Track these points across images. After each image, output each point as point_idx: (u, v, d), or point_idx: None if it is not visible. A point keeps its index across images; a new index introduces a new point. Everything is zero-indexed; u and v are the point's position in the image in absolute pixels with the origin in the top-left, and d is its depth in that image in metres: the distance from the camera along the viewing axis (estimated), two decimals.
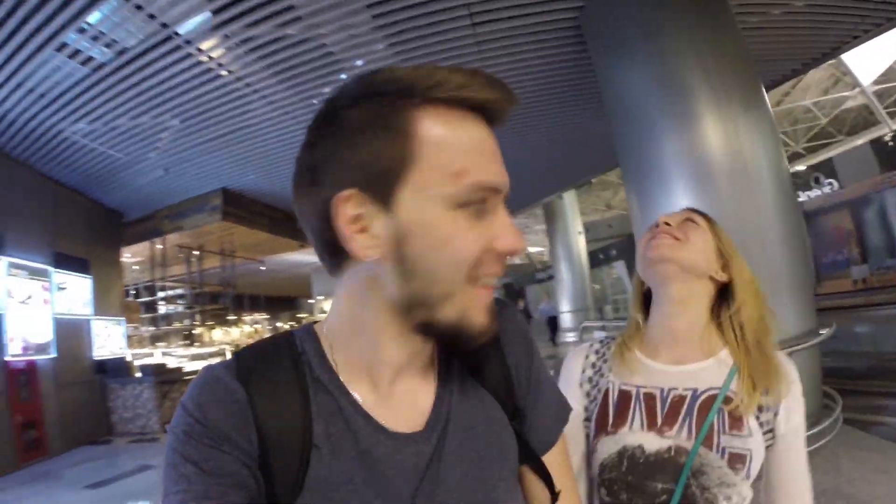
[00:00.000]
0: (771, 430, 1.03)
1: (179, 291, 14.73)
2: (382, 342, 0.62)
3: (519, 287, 31.22)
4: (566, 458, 0.81)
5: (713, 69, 4.52)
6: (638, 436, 1.04)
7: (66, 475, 6.64)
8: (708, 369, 1.07)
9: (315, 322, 0.70)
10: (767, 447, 1.03)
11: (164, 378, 9.46)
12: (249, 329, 24.72)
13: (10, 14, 4.56)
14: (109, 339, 10.01)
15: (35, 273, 7.98)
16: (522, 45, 5.87)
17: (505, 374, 0.74)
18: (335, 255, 0.61)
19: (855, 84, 13.20)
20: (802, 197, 13.37)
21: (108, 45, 5.18)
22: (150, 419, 9.08)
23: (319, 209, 0.58)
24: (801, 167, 14.77)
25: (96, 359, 9.47)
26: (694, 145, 4.49)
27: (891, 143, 12.48)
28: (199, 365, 12.04)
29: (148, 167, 8.38)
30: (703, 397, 1.04)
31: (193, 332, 14.82)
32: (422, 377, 0.69)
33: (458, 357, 0.72)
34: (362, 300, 0.62)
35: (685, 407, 1.04)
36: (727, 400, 1.02)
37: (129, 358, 10.62)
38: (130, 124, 6.79)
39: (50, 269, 8.31)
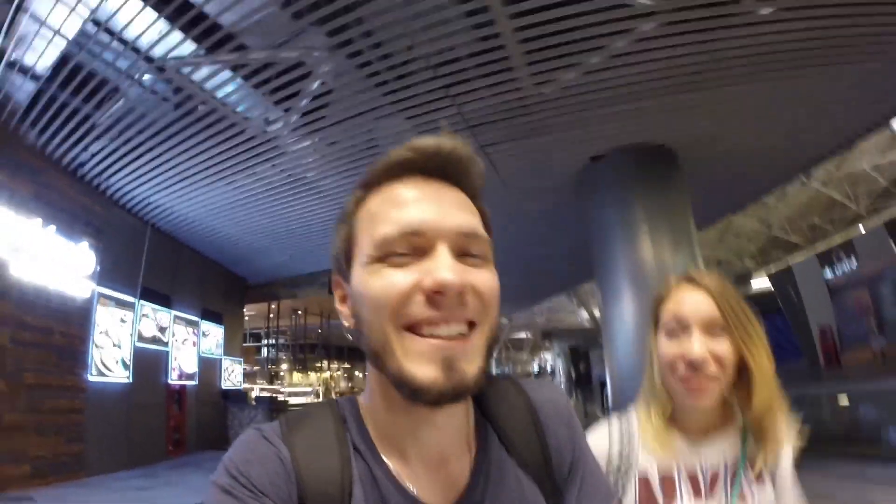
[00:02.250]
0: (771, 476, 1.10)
1: (282, 340, 18.01)
2: (389, 406, 0.62)
3: (583, 351, 32.16)
4: None
5: (656, 222, 6.79)
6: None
7: (197, 466, 9.27)
8: (733, 438, 1.11)
9: (358, 392, 0.71)
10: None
11: (273, 406, 12.38)
12: (326, 375, 26.66)
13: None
14: (233, 374, 13.06)
15: (189, 323, 11.09)
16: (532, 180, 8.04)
17: (545, 455, 0.70)
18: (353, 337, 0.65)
19: None
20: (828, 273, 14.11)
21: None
22: None
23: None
24: (863, 230, 15.29)
25: (223, 388, 12.51)
26: (637, 264, 6.73)
27: None
28: (296, 399, 14.99)
29: (275, 252, 11.23)
30: (731, 460, 1.10)
31: (280, 373, 17.88)
32: (456, 453, 0.65)
33: (499, 436, 0.70)
34: (370, 370, 0.65)
35: (721, 477, 1.08)
36: (750, 462, 1.09)
37: (244, 389, 13.65)
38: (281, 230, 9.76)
39: (199, 320, 11.45)
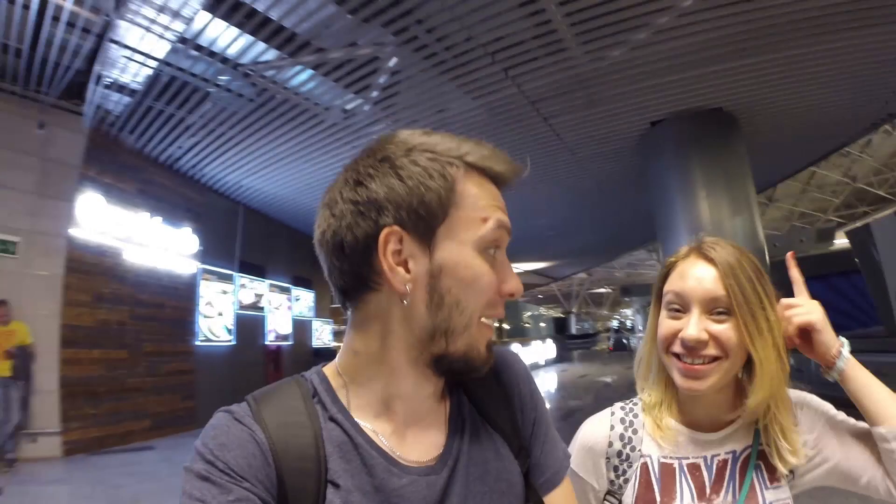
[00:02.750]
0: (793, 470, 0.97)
1: None
2: (400, 374, 0.64)
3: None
4: (571, 497, 0.78)
5: (714, 183, 6.73)
6: None
7: None
8: (742, 427, 1.00)
9: (323, 365, 0.70)
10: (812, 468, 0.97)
11: None
12: None
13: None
14: (323, 334, 14.18)
15: (282, 290, 12.11)
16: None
17: (510, 415, 0.75)
18: (359, 288, 0.63)
19: None
20: None
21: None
22: None
23: (362, 243, 0.61)
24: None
25: (314, 346, 13.66)
26: (696, 225, 6.66)
27: None
28: None
29: None
30: (742, 457, 0.98)
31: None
32: (433, 415, 0.69)
33: (468, 398, 0.73)
34: (383, 333, 0.63)
35: (728, 470, 0.98)
36: (761, 455, 0.97)
37: (334, 347, 14.78)
38: None
39: (291, 286, 12.47)
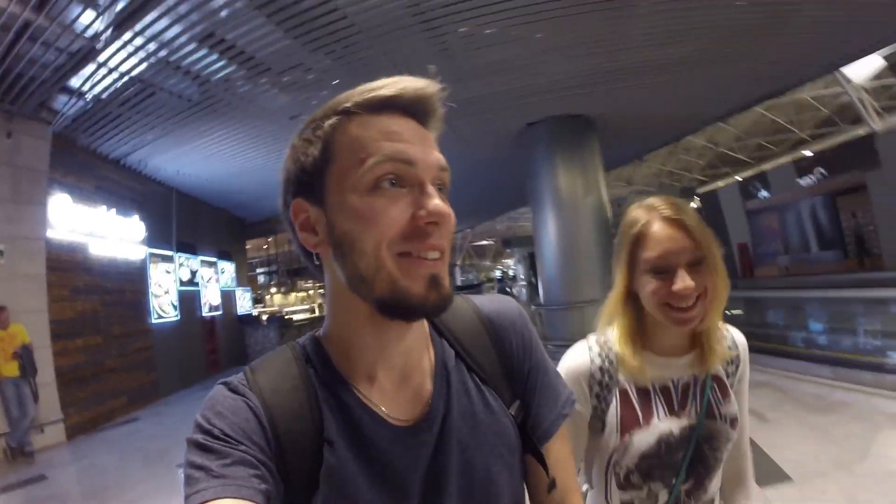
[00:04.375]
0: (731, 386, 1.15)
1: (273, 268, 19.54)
2: (357, 329, 0.62)
3: None
4: (567, 447, 0.77)
5: (572, 170, 8.50)
6: (666, 423, 1.07)
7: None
8: (699, 354, 1.12)
9: (316, 331, 0.69)
10: None
11: (281, 323, 14.09)
12: (302, 294, 27.98)
13: None
14: (244, 301, 14.55)
15: (210, 264, 12.35)
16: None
17: (503, 364, 0.72)
18: (310, 261, 0.65)
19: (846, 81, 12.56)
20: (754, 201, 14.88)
21: None
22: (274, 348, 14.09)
23: (290, 224, 0.63)
24: (807, 152, 15.58)
25: (238, 314, 14.04)
26: (557, 194, 8.45)
27: (806, 163, 13.93)
28: (298, 316, 16.78)
29: (268, 194, 12.46)
30: (701, 380, 1.11)
31: (265, 297, 19.60)
32: (418, 371, 0.66)
33: (456, 351, 0.70)
34: (333, 295, 0.63)
35: (691, 390, 1.11)
36: (715, 378, 1.12)
37: (255, 313, 15.24)
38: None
39: (217, 260, 12.70)
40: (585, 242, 8.35)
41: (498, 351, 0.73)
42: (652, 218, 1.09)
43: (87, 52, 5.61)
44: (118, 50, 5.65)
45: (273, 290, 22.75)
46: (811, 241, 13.62)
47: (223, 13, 5.07)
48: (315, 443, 0.58)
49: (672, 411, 1.09)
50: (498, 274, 40.77)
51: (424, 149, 0.60)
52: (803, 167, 13.58)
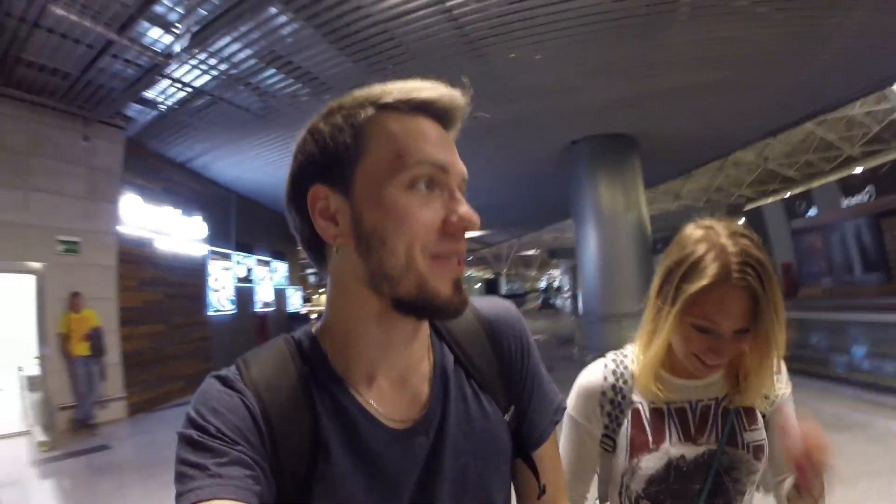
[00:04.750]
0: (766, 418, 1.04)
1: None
2: (363, 326, 0.60)
3: None
4: (556, 453, 0.77)
5: (614, 187, 8.53)
6: (678, 448, 1.00)
7: None
8: (724, 376, 1.05)
9: (312, 325, 0.66)
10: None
11: None
12: None
13: None
14: (295, 299, 15.18)
15: (265, 263, 13.01)
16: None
17: (501, 369, 0.71)
18: (318, 251, 0.62)
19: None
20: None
21: None
22: None
23: (301, 212, 0.60)
24: (858, 170, 14.76)
25: (289, 311, 14.67)
26: (598, 209, 8.52)
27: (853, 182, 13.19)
28: None
29: None
30: (723, 403, 1.03)
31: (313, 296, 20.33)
32: (417, 374, 0.65)
33: (454, 355, 0.69)
34: (342, 288, 0.61)
35: (711, 415, 1.03)
36: (742, 405, 1.02)
37: (304, 311, 15.85)
38: None
39: (271, 260, 13.36)
40: (625, 257, 8.43)
41: (497, 355, 0.71)
42: (723, 274, 0.91)
43: (161, 67, 6.17)
44: (190, 67, 6.19)
45: (322, 290, 23.63)
46: (855, 264, 13.03)
47: (288, 40, 5.50)
48: (310, 443, 0.56)
49: (688, 436, 1.02)
50: (543, 285, 40.81)
51: (454, 157, 0.60)
52: (849, 186, 13.07)
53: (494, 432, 0.67)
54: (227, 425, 0.53)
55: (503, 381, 0.71)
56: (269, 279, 13.20)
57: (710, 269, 0.93)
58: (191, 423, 0.53)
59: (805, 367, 7.24)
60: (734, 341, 0.94)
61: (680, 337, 0.99)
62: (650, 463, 1.02)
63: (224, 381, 0.57)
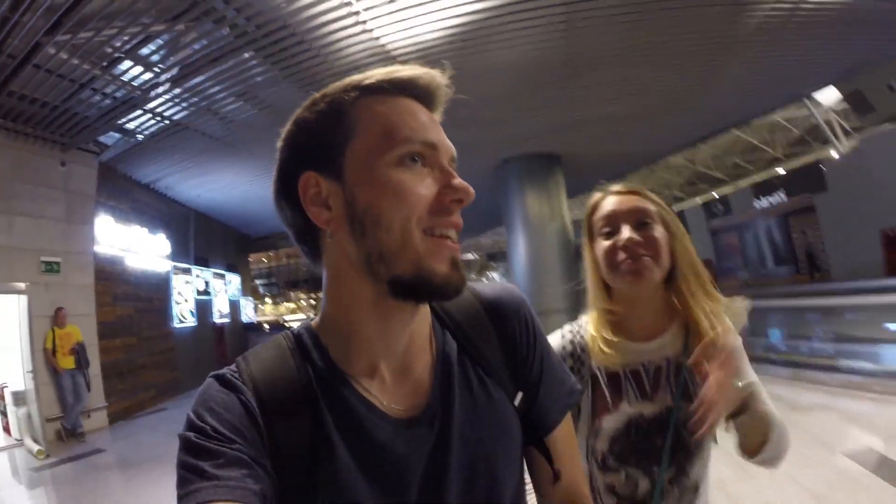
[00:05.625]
0: None
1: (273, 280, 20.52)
2: (361, 314, 0.58)
3: None
4: (572, 436, 0.73)
5: (540, 198, 9.67)
6: (636, 406, 1.04)
7: None
8: (675, 336, 1.08)
9: (312, 320, 0.66)
10: None
11: (282, 331, 15.01)
12: (292, 305, 27.29)
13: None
14: (248, 309, 15.44)
15: (220, 276, 13.24)
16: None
17: (506, 354, 0.68)
18: (311, 241, 0.61)
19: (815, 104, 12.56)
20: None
21: None
22: None
23: (292, 203, 0.59)
24: (781, 170, 15.58)
25: (244, 321, 14.93)
26: (526, 216, 9.61)
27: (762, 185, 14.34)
28: (297, 324, 17.85)
29: (270, 214, 13.45)
30: (675, 363, 1.06)
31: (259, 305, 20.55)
32: (419, 362, 0.63)
33: (457, 342, 0.66)
34: (337, 277, 0.59)
35: (664, 373, 1.06)
36: (695, 361, 0.98)
37: (256, 321, 16.11)
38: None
39: (226, 273, 13.62)
40: (551, 260, 9.50)
41: (501, 340, 0.68)
42: (606, 192, 1.14)
43: (139, 100, 6.62)
44: (166, 101, 6.68)
45: (268, 300, 23.69)
46: (767, 258, 14.18)
47: (258, 79, 6.15)
48: (311, 437, 0.55)
49: (644, 395, 1.06)
50: None
51: (442, 135, 0.60)
52: (761, 190, 14.25)
53: (502, 419, 0.64)
54: (224, 424, 0.52)
55: (509, 367, 0.68)
56: (225, 291, 13.45)
57: (595, 195, 1.16)
58: (189, 425, 0.53)
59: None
60: (640, 231, 1.06)
61: (600, 258, 1.10)
62: (611, 423, 1.05)
63: (222, 381, 0.57)
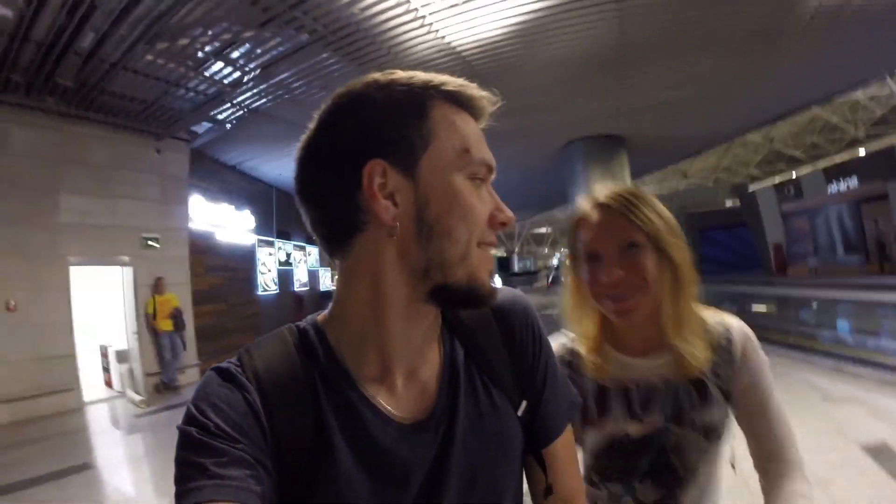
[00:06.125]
0: (728, 391, 0.96)
1: None
2: (392, 320, 0.57)
3: None
4: (572, 448, 0.72)
5: (604, 178, 9.56)
6: (622, 425, 0.97)
7: None
8: (695, 349, 0.95)
9: (318, 315, 0.64)
10: (733, 405, 0.96)
11: None
12: None
13: None
14: (326, 279, 16.39)
15: (300, 248, 14.14)
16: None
17: (513, 363, 0.67)
18: (346, 232, 0.57)
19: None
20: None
21: None
22: None
23: (344, 182, 0.55)
24: (862, 151, 14.81)
25: (321, 290, 15.87)
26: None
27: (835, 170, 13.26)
28: None
29: None
30: (671, 384, 0.97)
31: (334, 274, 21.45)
32: (427, 368, 0.62)
33: (465, 348, 0.65)
34: (372, 276, 0.56)
35: (658, 393, 0.97)
36: (694, 381, 0.95)
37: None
38: None
39: (307, 245, 14.51)
40: None
41: (508, 347, 0.67)
42: (591, 208, 1.00)
43: (225, 94, 7.19)
44: (251, 94, 7.22)
45: None
46: (838, 245, 13.14)
47: (335, 74, 6.49)
48: (313, 439, 0.54)
49: (633, 414, 0.98)
50: (555, 262, 38.29)
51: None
52: (833, 174, 13.32)
53: (505, 427, 0.63)
54: (227, 422, 0.51)
55: (515, 375, 0.67)
56: (305, 262, 14.34)
57: (581, 206, 1.02)
58: (191, 419, 0.51)
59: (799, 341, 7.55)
60: (625, 261, 0.94)
61: (585, 283, 0.99)
62: (594, 438, 1.01)
63: (225, 375, 0.55)
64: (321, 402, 0.56)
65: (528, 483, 0.69)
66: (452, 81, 0.58)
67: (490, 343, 0.66)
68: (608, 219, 0.97)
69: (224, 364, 0.57)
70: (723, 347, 0.98)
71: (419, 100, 0.56)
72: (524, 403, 0.66)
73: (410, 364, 0.61)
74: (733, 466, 1.00)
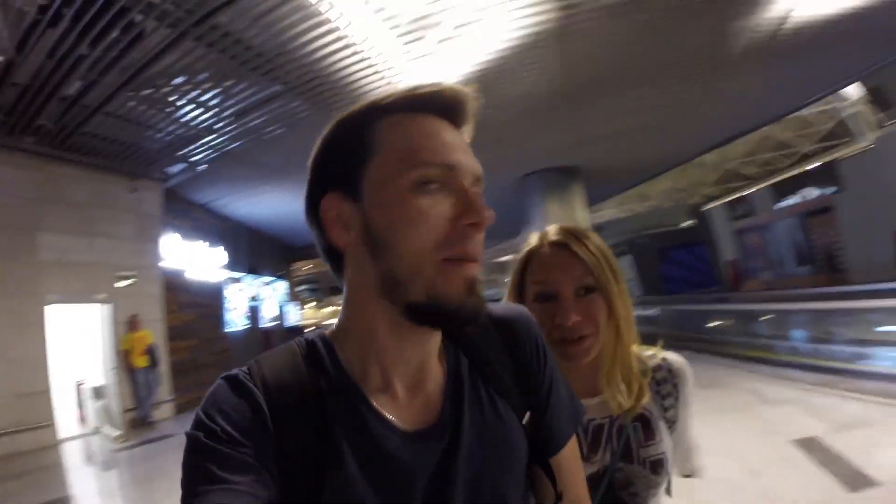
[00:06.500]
0: (674, 421, 1.01)
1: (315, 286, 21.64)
2: (381, 334, 0.58)
3: None
4: (577, 457, 0.72)
5: (561, 207, 10.27)
6: None
7: None
8: (620, 395, 0.97)
9: (327, 329, 0.64)
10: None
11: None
12: (331, 309, 28.07)
13: None
14: (293, 314, 16.43)
15: (269, 283, 14.24)
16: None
17: (517, 374, 0.67)
18: (338, 261, 0.61)
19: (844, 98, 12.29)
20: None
21: None
22: None
23: (318, 224, 0.59)
24: (811, 166, 15.22)
25: (287, 325, 15.89)
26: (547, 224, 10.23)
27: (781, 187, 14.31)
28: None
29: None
30: (618, 422, 0.97)
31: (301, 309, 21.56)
32: (431, 378, 0.62)
33: (469, 359, 0.65)
34: (357, 296, 0.59)
35: (605, 432, 0.97)
36: (639, 417, 0.97)
37: (300, 325, 17.07)
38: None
39: (274, 280, 14.62)
40: None
41: (512, 359, 0.67)
42: (543, 242, 1.00)
43: (196, 136, 7.50)
44: (221, 136, 7.56)
45: (311, 304, 24.83)
46: (787, 259, 13.67)
47: (302, 117, 6.93)
48: (319, 446, 0.54)
49: (582, 456, 0.89)
50: None
51: (466, 155, 0.58)
52: (781, 191, 13.99)
53: (510, 437, 0.63)
54: (234, 427, 0.51)
55: (519, 386, 0.66)
56: (272, 298, 14.42)
57: (533, 242, 1.02)
58: (199, 425, 0.52)
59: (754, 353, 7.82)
60: (580, 304, 0.94)
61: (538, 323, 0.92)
62: None
63: (233, 382, 0.56)
64: (327, 410, 0.56)
65: (534, 493, 0.68)
66: (400, 91, 0.58)
67: (494, 354, 0.67)
68: (564, 260, 0.97)
69: (233, 372, 0.58)
70: (665, 381, 1.02)
71: (360, 123, 0.58)
72: (528, 413, 0.66)
73: (413, 376, 0.61)
74: (668, 493, 1.02)
